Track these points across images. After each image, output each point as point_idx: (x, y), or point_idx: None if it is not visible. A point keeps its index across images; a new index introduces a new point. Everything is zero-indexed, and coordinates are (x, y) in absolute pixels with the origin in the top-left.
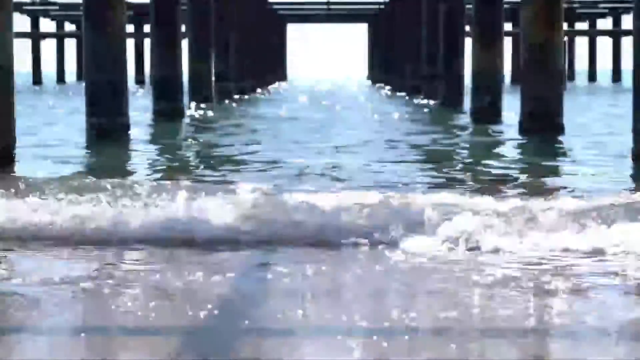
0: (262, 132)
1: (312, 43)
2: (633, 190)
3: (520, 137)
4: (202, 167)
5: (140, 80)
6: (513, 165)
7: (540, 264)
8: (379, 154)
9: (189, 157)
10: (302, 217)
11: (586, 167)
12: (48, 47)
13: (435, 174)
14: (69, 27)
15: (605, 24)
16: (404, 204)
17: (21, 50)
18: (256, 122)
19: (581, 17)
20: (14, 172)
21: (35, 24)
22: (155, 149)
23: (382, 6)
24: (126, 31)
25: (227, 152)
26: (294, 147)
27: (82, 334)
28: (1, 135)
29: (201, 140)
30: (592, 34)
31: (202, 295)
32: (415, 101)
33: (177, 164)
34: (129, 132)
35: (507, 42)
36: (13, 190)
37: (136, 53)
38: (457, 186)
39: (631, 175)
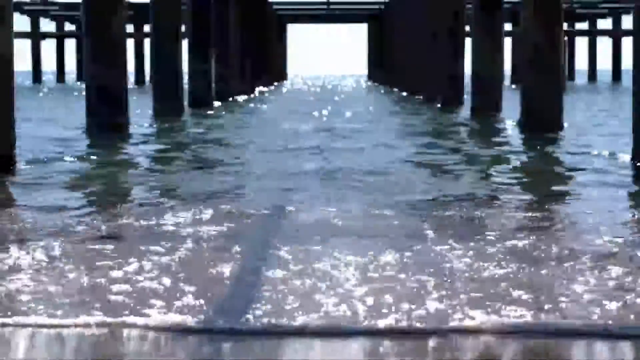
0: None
1: (312, 43)
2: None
3: (519, 137)
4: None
5: (140, 80)
6: (508, 165)
7: None
8: (367, 157)
9: (187, 161)
10: None
11: (585, 168)
12: (48, 47)
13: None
14: (69, 27)
15: (605, 24)
16: None
17: (21, 50)
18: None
19: (581, 17)
20: (17, 177)
21: (35, 24)
22: (155, 150)
23: (382, 6)
24: (126, 31)
25: (221, 158)
26: (293, 147)
27: None
28: (1, 135)
29: (199, 145)
30: (592, 34)
31: None
32: (415, 101)
33: (175, 169)
34: (129, 132)
35: (507, 42)
36: None
37: (136, 53)
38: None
39: (630, 175)
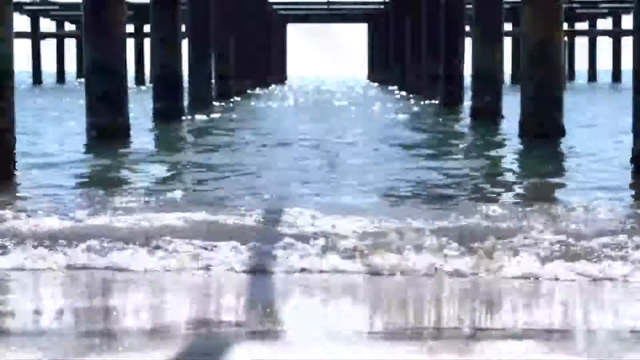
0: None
1: (312, 43)
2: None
3: (519, 137)
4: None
5: (140, 80)
6: (508, 166)
7: None
8: (370, 155)
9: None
10: None
11: (585, 168)
12: (48, 47)
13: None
14: (69, 27)
15: (605, 24)
16: None
17: (21, 50)
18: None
19: (581, 17)
20: (16, 179)
21: (35, 24)
22: (154, 151)
23: (382, 6)
24: (126, 31)
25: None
26: (290, 150)
27: None
28: (1, 137)
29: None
30: (592, 34)
31: None
32: (415, 101)
33: (175, 171)
34: (129, 132)
35: (507, 42)
36: None
37: (136, 53)
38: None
39: (630, 176)
